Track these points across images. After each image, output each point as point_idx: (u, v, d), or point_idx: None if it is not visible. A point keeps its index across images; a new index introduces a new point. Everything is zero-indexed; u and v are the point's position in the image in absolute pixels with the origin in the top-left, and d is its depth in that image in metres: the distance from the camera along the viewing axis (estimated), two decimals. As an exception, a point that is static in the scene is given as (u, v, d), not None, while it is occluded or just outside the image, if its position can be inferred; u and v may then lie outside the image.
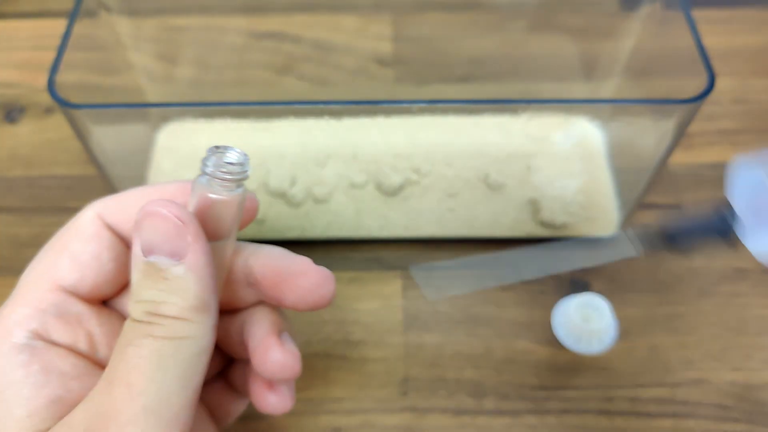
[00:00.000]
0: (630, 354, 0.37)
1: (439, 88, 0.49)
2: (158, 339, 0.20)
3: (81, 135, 0.34)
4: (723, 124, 0.47)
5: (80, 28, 0.35)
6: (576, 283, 0.40)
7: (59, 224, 0.42)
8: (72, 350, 0.23)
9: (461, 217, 0.41)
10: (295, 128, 0.42)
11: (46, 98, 0.49)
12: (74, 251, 0.24)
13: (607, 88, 0.46)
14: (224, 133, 0.43)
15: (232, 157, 0.22)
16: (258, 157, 0.42)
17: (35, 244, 0.41)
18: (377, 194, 0.42)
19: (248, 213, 0.26)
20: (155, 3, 0.45)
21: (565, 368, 0.37)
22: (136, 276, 0.21)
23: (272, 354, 0.24)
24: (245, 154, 0.23)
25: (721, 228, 0.16)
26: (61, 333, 0.23)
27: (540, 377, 0.37)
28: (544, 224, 0.41)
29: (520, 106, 0.37)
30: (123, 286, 0.25)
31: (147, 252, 0.21)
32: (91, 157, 0.35)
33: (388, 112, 0.38)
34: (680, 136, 0.35)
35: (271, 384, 0.26)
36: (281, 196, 0.41)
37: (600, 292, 0.39)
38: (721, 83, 0.49)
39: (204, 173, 0.22)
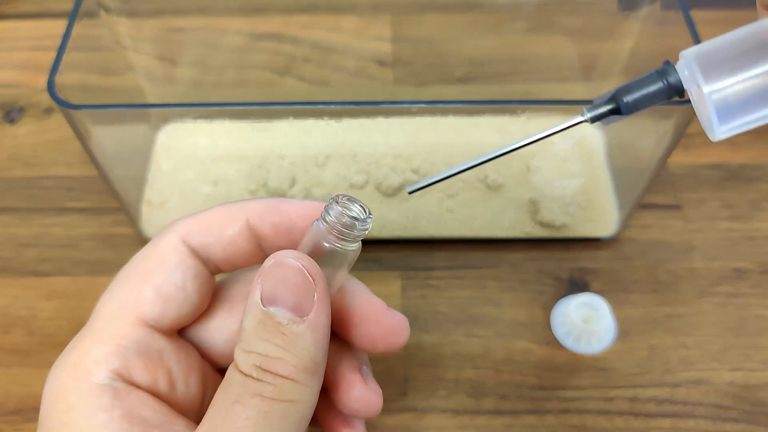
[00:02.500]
0: (629, 354, 0.37)
1: (438, 88, 0.49)
2: (266, 400, 0.19)
3: (81, 135, 0.34)
4: (722, 124, 0.47)
5: (80, 28, 0.35)
6: (576, 283, 0.40)
7: (59, 224, 0.43)
8: (152, 392, 0.22)
9: (460, 217, 0.41)
10: (295, 129, 0.42)
11: (45, 98, 0.49)
12: (158, 283, 0.22)
13: (607, 89, 0.46)
14: (224, 134, 0.43)
15: (355, 211, 0.22)
16: (258, 157, 0.42)
17: (35, 244, 0.42)
18: (377, 195, 0.42)
19: (390, 347, 0.24)
20: (155, 4, 0.45)
21: (565, 368, 0.37)
22: (250, 323, 0.20)
23: (356, 392, 0.23)
24: (369, 211, 0.22)
25: (667, 87, 0.16)
26: (142, 373, 0.21)
27: (539, 377, 0.37)
28: (543, 224, 0.41)
29: (520, 106, 0.37)
30: (201, 315, 0.24)
31: (268, 302, 0.20)
32: (91, 158, 0.36)
33: (387, 113, 0.38)
34: (680, 136, 0.35)
35: (347, 420, 0.25)
36: (281, 196, 0.41)
37: (599, 292, 0.39)
38: (720, 84, 0.49)
39: (324, 220, 0.21)
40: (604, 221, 0.41)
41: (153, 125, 0.44)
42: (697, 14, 0.36)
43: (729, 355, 0.37)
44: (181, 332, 0.24)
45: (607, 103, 0.17)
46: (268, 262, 0.21)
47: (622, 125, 0.42)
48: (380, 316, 0.23)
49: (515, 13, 0.47)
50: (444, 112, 0.36)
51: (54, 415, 0.20)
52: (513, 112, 0.39)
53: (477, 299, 0.39)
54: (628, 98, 0.16)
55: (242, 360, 0.20)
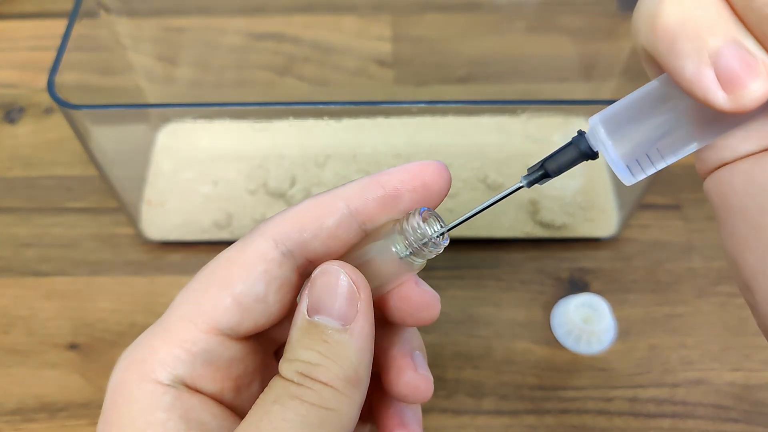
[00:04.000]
0: (629, 354, 0.37)
1: (438, 88, 0.49)
2: (305, 404, 0.19)
3: (81, 135, 0.34)
4: (722, 124, 0.47)
5: (80, 28, 0.35)
6: (575, 283, 0.40)
7: (59, 224, 0.43)
8: (216, 399, 0.21)
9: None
10: (295, 129, 0.42)
11: (45, 98, 0.49)
12: (238, 292, 0.21)
13: (607, 89, 0.46)
14: (224, 134, 0.43)
15: (435, 232, 0.21)
16: (258, 157, 0.42)
17: (35, 244, 0.42)
18: (377, 195, 0.42)
19: (421, 321, 0.24)
20: (155, 4, 0.45)
21: (565, 368, 0.37)
22: (295, 334, 0.20)
23: (405, 377, 0.23)
24: (447, 237, 0.21)
25: (583, 149, 0.20)
26: (207, 382, 0.21)
27: (539, 377, 0.37)
28: (543, 224, 0.41)
29: (520, 106, 0.37)
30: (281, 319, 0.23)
31: (313, 311, 0.20)
32: (91, 158, 0.36)
33: (387, 113, 0.38)
34: (679, 136, 0.35)
35: (403, 421, 0.25)
36: (281, 196, 0.41)
37: (599, 292, 0.39)
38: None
39: (402, 232, 0.21)
40: (604, 221, 0.41)
41: (153, 125, 0.44)
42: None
43: (729, 355, 0.37)
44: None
45: (537, 170, 0.21)
46: (315, 272, 0.21)
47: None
48: (409, 292, 0.23)
49: (515, 13, 0.47)
50: (444, 112, 0.36)
51: (115, 407, 0.20)
52: (513, 112, 0.39)
53: (477, 299, 0.39)
54: (552, 165, 0.20)
55: (285, 368, 0.20)
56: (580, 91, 0.48)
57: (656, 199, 0.43)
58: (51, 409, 0.36)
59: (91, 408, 0.36)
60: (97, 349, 0.38)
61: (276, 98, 0.48)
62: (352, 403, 0.20)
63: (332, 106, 0.34)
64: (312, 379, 0.19)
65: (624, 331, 0.38)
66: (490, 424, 0.35)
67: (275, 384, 0.20)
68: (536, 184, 0.21)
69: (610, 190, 0.42)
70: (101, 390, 0.36)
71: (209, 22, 0.48)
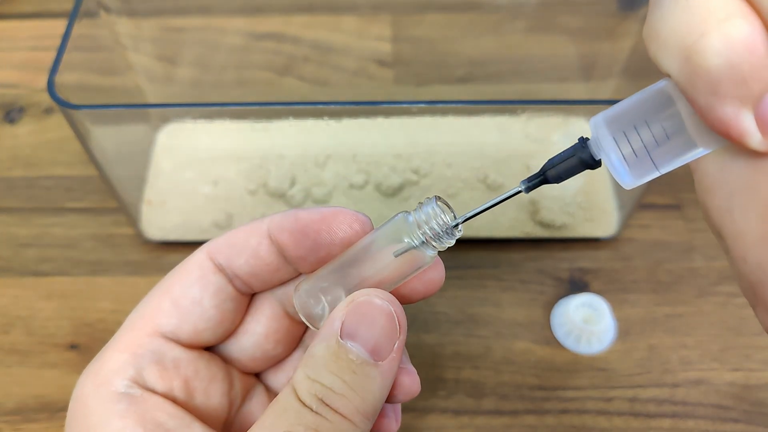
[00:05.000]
0: (629, 354, 0.37)
1: (438, 88, 0.49)
2: None
3: (81, 135, 0.34)
4: (722, 124, 0.47)
5: (80, 28, 0.35)
6: (575, 283, 0.40)
7: (59, 224, 0.43)
8: (168, 398, 0.22)
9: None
10: (295, 129, 0.42)
11: (45, 98, 0.49)
12: (175, 296, 0.23)
13: (607, 89, 0.46)
14: (224, 134, 0.43)
15: (449, 221, 0.21)
16: (258, 157, 0.42)
17: (35, 244, 0.42)
18: (377, 195, 0.42)
19: (430, 284, 0.23)
20: (155, 3, 0.45)
21: (564, 368, 0.37)
22: (322, 351, 0.20)
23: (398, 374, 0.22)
24: (461, 228, 0.21)
25: (584, 157, 0.19)
26: (156, 380, 0.22)
27: (539, 377, 0.37)
28: (543, 224, 0.41)
29: (520, 106, 0.37)
30: (227, 334, 0.24)
31: (347, 335, 0.20)
32: (91, 158, 0.36)
33: (387, 113, 0.38)
34: (679, 136, 0.35)
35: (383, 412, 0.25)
36: (281, 196, 0.41)
37: (599, 292, 0.39)
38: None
39: (416, 222, 0.20)
40: (604, 221, 0.41)
41: (153, 125, 0.44)
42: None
43: (729, 355, 0.37)
44: (213, 348, 0.24)
45: (537, 176, 0.20)
46: (360, 296, 0.20)
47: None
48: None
49: (515, 13, 0.47)
50: (444, 112, 0.36)
51: (76, 421, 0.21)
52: (513, 112, 0.39)
53: (477, 299, 0.39)
54: (553, 172, 0.20)
55: (305, 387, 0.20)
56: (580, 91, 0.48)
57: (656, 198, 0.43)
58: (51, 409, 0.36)
59: (91, 408, 0.36)
60: (97, 349, 0.37)
61: (276, 98, 0.48)
62: None
63: (332, 106, 0.34)
64: (330, 408, 0.19)
65: (624, 331, 0.38)
66: (489, 424, 0.35)
67: (290, 407, 0.20)
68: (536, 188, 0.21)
69: (610, 190, 0.42)
70: (101, 390, 0.36)
71: (209, 22, 0.48)
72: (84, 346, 0.38)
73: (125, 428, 0.20)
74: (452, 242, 0.21)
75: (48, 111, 0.48)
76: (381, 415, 0.24)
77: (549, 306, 0.39)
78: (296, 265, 0.23)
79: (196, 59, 0.48)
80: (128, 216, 0.41)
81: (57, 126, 0.47)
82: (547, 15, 0.47)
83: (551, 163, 0.20)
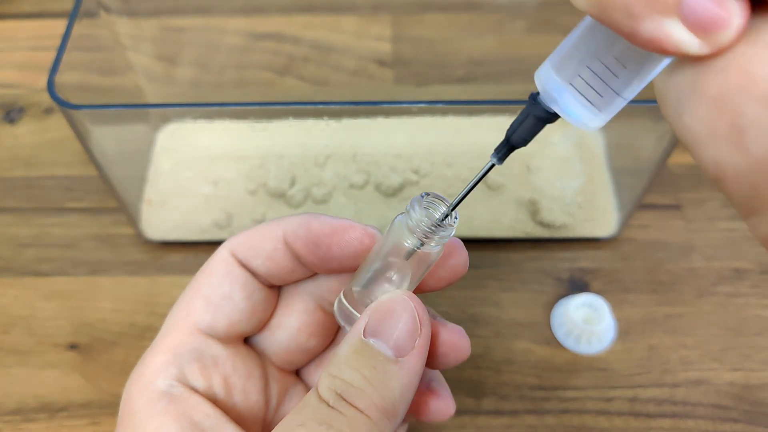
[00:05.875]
0: (629, 354, 0.37)
1: (438, 88, 0.49)
2: (332, 429, 0.19)
3: (81, 135, 0.34)
4: (722, 124, 0.47)
5: (80, 28, 0.35)
6: (575, 283, 0.40)
7: (59, 224, 0.43)
8: (208, 397, 0.23)
9: (460, 217, 0.41)
10: (295, 129, 0.42)
11: (45, 98, 0.49)
12: (206, 293, 0.24)
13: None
14: (224, 134, 0.43)
15: (439, 216, 0.21)
16: (258, 157, 0.42)
17: (35, 244, 0.42)
18: (377, 195, 0.42)
19: (454, 270, 0.23)
20: (155, 3, 0.45)
21: (565, 368, 0.37)
22: (345, 350, 0.21)
23: (443, 334, 0.23)
24: (455, 216, 0.21)
25: (538, 114, 0.19)
26: (197, 377, 0.23)
27: (539, 377, 0.37)
28: (543, 224, 0.41)
29: (520, 106, 0.37)
30: (261, 324, 0.25)
31: (370, 333, 0.20)
32: (91, 158, 0.36)
33: (387, 113, 0.38)
34: (679, 136, 0.35)
35: (430, 387, 0.25)
36: (281, 196, 0.41)
37: (599, 292, 0.39)
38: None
39: (409, 218, 0.21)
40: (604, 221, 0.41)
41: (153, 125, 0.44)
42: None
43: (729, 355, 0.37)
44: (246, 340, 0.25)
45: (503, 144, 0.20)
46: (383, 298, 0.21)
47: (622, 125, 0.42)
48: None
49: (515, 13, 0.47)
50: (444, 112, 0.36)
51: (123, 421, 0.22)
52: (513, 112, 0.38)
53: (477, 299, 0.39)
54: (516, 137, 0.20)
55: (325, 383, 0.20)
56: (580, 91, 0.48)
57: (656, 199, 0.43)
58: (51, 409, 0.36)
59: (91, 408, 0.36)
60: (97, 349, 0.38)
61: (276, 98, 0.48)
62: None
63: (332, 106, 0.34)
64: (347, 403, 0.19)
65: (624, 331, 0.38)
66: (490, 423, 0.35)
67: (308, 404, 0.20)
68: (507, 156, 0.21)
69: (610, 190, 0.42)
70: (101, 390, 0.36)
71: (209, 22, 0.48)
72: (84, 346, 0.38)
73: (162, 425, 0.21)
74: (450, 233, 0.21)
75: (48, 111, 0.48)
76: (434, 393, 0.25)
77: (549, 306, 0.39)
78: (311, 269, 0.24)
79: (196, 59, 0.48)
80: (128, 216, 0.41)
81: (57, 126, 0.47)
82: (547, 15, 0.47)
83: (512, 129, 0.20)
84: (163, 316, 0.40)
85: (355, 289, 0.23)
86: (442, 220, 0.21)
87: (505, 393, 0.36)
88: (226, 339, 0.24)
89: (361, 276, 0.22)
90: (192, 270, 0.23)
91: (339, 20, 0.50)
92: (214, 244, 0.41)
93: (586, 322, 0.37)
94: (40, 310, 0.39)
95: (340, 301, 0.23)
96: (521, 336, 0.38)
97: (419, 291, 0.24)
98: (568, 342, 0.37)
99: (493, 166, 0.21)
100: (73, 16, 0.35)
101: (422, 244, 0.21)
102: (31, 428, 0.35)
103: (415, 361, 0.20)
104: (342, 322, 0.23)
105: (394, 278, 0.22)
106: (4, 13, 0.53)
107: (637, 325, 0.38)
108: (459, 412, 0.36)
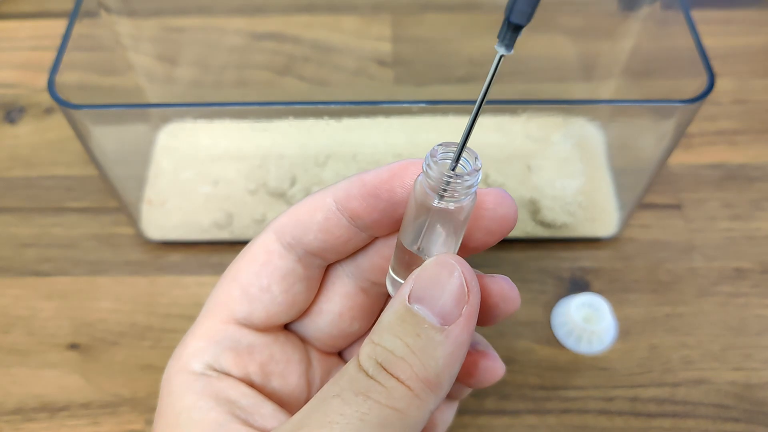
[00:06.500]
0: (630, 354, 0.37)
1: (438, 88, 0.49)
2: (369, 401, 0.18)
3: (81, 135, 0.34)
4: (722, 124, 0.47)
5: (80, 28, 0.35)
6: (576, 283, 0.40)
7: (59, 224, 0.43)
8: (246, 382, 0.23)
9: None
10: (295, 129, 0.42)
11: (46, 98, 0.49)
12: (243, 283, 0.23)
13: (607, 89, 0.46)
14: (224, 134, 0.43)
15: (457, 167, 0.19)
16: (258, 157, 0.42)
17: (35, 244, 0.42)
18: (377, 194, 0.42)
19: (503, 221, 0.22)
20: (155, 3, 0.45)
21: (566, 368, 0.37)
22: (389, 317, 0.19)
23: (490, 285, 0.22)
24: (476, 159, 0.19)
25: None
26: (232, 365, 0.22)
27: (540, 377, 0.37)
28: (543, 224, 0.41)
29: (520, 106, 0.37)
30: (301, 313, 0.24)
31: (415, 299, 0.19)
32: (91, 157, 0.36)
33: (387, 113, 0.38)
34: (680, 136, 0.35)
35: (476, 349, 0.24)
36: (281, 196, 0.41)
37: (600, 292, 0.39)
38: (720, 83, 0.49)
39: (428, 177, 0.19)
40: (605, 221, 0.41)
41: (153, 125, 0.44)
42: (697, 14, 0.36)
43: (729, 355, 0.37)
44: (287, 326, 0.24)
45: (504, 28, 0.18)
46: (429, 260, 0.20)
47: (622, 126, 0.42)
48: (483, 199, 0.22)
49: (515, 12, 0.47)
50: (444, 112, 0.36)
51: (162, 400, 0.22)
52: (513, 112, 0.39)
53: (477, 299, 0.39)
54: (517, 10, 0.18)
55: (365, 351, 0.19)
56: (580, 91, 0.48)
57: (657, 198, 0.43)
58: (51, 409, 0.36)
59: (91, 408, 0.36)
60: (97, 349, 0.38)
61: (276, 98, 0.48)
62: (422, 409, 0.19)
63: (332, 106, 0.34)
64: (388, 372, 0.18)
65: (625, 331, 0.38)
66: (491, 423, 0.35)
67: (346, 371, 0.19)
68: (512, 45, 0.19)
69: (610, 189, 0.42)
70: (101, 390, 0.36)
71: (209, 22, 0.48)
72: (84, 345, 0.38)
73: (198, 401, 0.21)
74: (477, 179, 0.19)
75: (48, 111, 0.48)
76: (481, 354, 0.24)
77: (550, 306, 0.39)
78: (371, 231, 0.22)
79: (196, 59, 0.48)
80: (128, 216, 0.41)
81: (57, 126, 0.47)
82: (547, 15, 0.47)
83: (509, 6, 0.18)
84: (163, 316, 0.40)
85: (395, 263, 0.21)
86: (456, 163, 0.19)
87: (506, 392, 0.36)
88: (263, 328, 0.23)
89: (400, 247, 0.21)
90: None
91: (339, 20, 0.50)
92: (214, 244, 0.41)
93: (587, 322, 0.37)
94: (40, 310, 0.39)
95: (389, 273, 0.22)
96: (523, 335, 0.38)
97: (471, 251, 0.22)
98: (569, 342, 0.37)
99: (502, 57, 0.18)
100: (73, 16, 0.35)
101: (452, 200, 0.19)
102: (32, 428, 0.35)
103: (461, 330, 0.19)
104: (393, 293, 0.22)
105: (433, 244, 0.20)
106: (4, 13, 0.53)
107: (637, 324, 0.38)
108: (460, 412, 0.35)
